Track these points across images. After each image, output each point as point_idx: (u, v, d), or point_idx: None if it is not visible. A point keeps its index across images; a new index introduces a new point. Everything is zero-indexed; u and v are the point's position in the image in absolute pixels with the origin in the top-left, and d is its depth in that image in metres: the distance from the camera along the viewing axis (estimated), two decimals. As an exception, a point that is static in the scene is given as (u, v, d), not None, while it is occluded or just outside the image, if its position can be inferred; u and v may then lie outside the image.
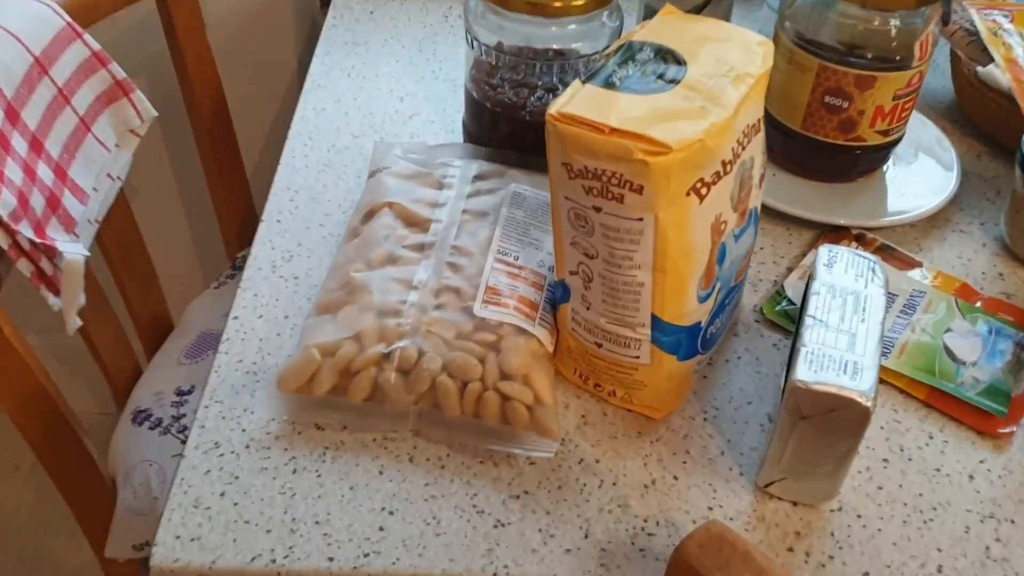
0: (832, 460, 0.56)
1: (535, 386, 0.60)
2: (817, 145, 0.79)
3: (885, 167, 0.83)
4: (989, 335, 0.69)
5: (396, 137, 0.84)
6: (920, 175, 0.83)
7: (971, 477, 0.62)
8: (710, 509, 0.59)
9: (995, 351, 0.68)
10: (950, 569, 0.57)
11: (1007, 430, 0.64)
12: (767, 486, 0.59)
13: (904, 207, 0.79)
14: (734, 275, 0.63)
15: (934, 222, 0.80)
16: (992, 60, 0.86)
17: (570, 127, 0.53)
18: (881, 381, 0.67)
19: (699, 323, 0.61)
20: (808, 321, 0.58)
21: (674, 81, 0.56)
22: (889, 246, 0.77)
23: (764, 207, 0.79)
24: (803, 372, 0.54)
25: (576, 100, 0.54)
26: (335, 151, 0.82)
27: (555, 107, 0.54)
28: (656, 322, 0.59)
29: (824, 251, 0.62)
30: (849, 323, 0.57)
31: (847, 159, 0.79)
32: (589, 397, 0.65)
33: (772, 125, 0.81)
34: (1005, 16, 0.90)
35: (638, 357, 0.61)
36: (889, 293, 0.71)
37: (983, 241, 0.79)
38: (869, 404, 0.53)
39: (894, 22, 0.72)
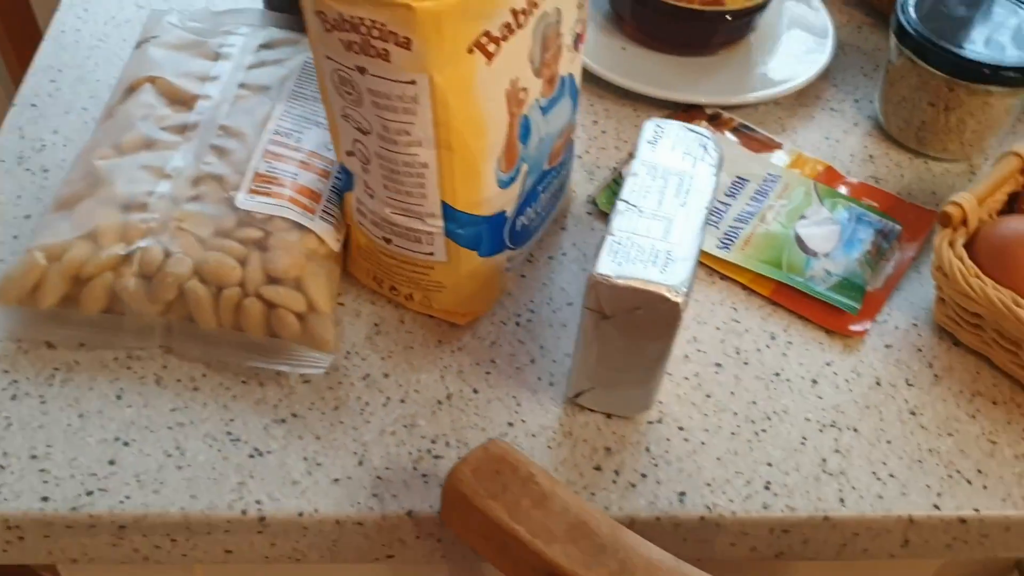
0: (643, 365, 0.48)
1: (308, 291, 0.51)
2: (672, 11, 0.69)
3: (750, 37, 0.74)
4: (848, 223, 0.61)
5: (192, 7, 0.72)
6: (789, 47, 0.74)
7: (814, 382, 0.54)
8: (510, 425, 0.51)
9: (853, 240, 0.60)
10: (779, 485, 0.50)
11: (859, 328, 0.57)
12: (576, 396, 0.51)
13: (768, 83, 0.70)
14: (546, 156, 0.54)
15: (802, 99, 0.72)
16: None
17: (326, -33, 0.43)
18: (722, 277, 0.59)
19: (503, 213, 0.52)
20: (619, 207, 0.49)
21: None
22: (747, 126, 0.68)
23: (608, 84, 0.69)
24: (605, 264, 0.46)
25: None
26: (114, 24, 0.70)
27: (304, -61, 0.44)
28: (448, 211, 0.49)
29: (649, 126, 0.53)
30: (668, 208, 0.49)
31: (705, 27, 0.70)
32: (386, 303, 0.56)
33: (622, -11, 0.71)
34: None
35: (432, 254, 0.52)
36: (739, 178, 0.63)
37: (855, 120, 0.71)
38: (679, 299, 0.45)
39: None
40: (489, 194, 0.50)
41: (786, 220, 0.61)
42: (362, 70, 0.45)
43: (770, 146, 0.67)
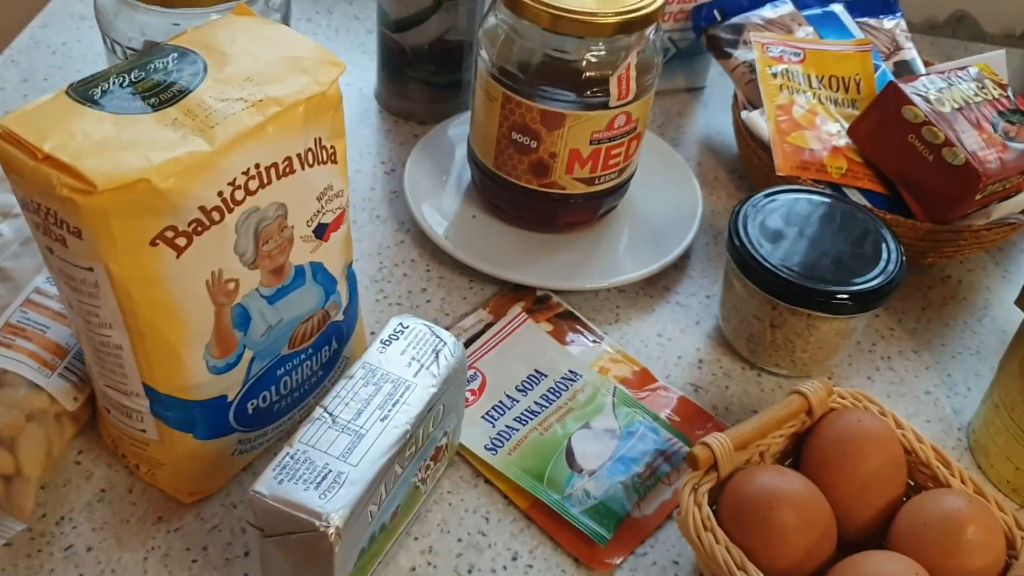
0: (313, 589, 0.46)
1: (19, 453, 0.50)
2: (512, 188, 0.67)
3: (610, 217, 0.71)
4: (631, 438, 0.57)
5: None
6: (650, 230, 0.71)
7: (540, 616, 0.51)
8: (194, 625, 0.49)
9: (626, 459, 0.56)
10: None
11: (610, 560, 0.53)
12: (267, 607, 0.49)
13: (612, 270, 0.68)
14: (285, 341, 0.52)
15: (649, 288, 0.69)
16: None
17: (7, 146, 0.43)
18: (487, 481, 0.56)
19: (223, 397, 0.50)
20: (315, 413, 0.47)
21: (171, 100, 0.45)
22: (572, 314, 0.66)
23: (444, 253, 0.68)
24: (265, 480, 0.44)
25: (34, 110, 0.44)
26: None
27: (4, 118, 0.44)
28: (151, 393, 0.48)
29: (393, 323, 0.51)
30: (365, 420, 0.46)
31: (548, 207, 0.68)
32: (123, 467, 0.55)
33: (474, 162, 0.70)
34: (796, 54, 0.77)
35: (145, 431, 0.50)
36: (536, 371, 0.60)
37: (698, 318, 0.67)
38: (329, 530, 0.42)
39: (585, 52, 0.61)
40: (198, 380, 0.48)
41: (568, 426, 0.58)
42: (50, 250, 0.45)
43: (587, 336, 0.64)
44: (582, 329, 0.64)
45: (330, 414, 0.47)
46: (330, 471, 0.44)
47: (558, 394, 0.59)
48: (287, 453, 0.45)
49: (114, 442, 0.54)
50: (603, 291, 0.68)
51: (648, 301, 0.68)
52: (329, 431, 0.46)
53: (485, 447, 0.56)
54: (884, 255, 0.60)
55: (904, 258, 0.61)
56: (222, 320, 0.48)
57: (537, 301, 0.66)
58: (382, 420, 0.46)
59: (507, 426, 0.57)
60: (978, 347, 0.68)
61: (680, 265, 0.71)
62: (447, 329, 0.62)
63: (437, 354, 0.50)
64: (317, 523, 0.42)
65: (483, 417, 0.58)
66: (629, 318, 0.67)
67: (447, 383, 0.49)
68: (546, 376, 0.60)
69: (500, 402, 0.59)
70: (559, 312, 0.65)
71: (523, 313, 0.64)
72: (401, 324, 0.51)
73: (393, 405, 0.47)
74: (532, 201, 0.68)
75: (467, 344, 0.62)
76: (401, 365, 0.49)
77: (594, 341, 0.64)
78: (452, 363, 0.50)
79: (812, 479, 0.51)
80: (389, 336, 0.51)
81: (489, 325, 0.63)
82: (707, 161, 0.81)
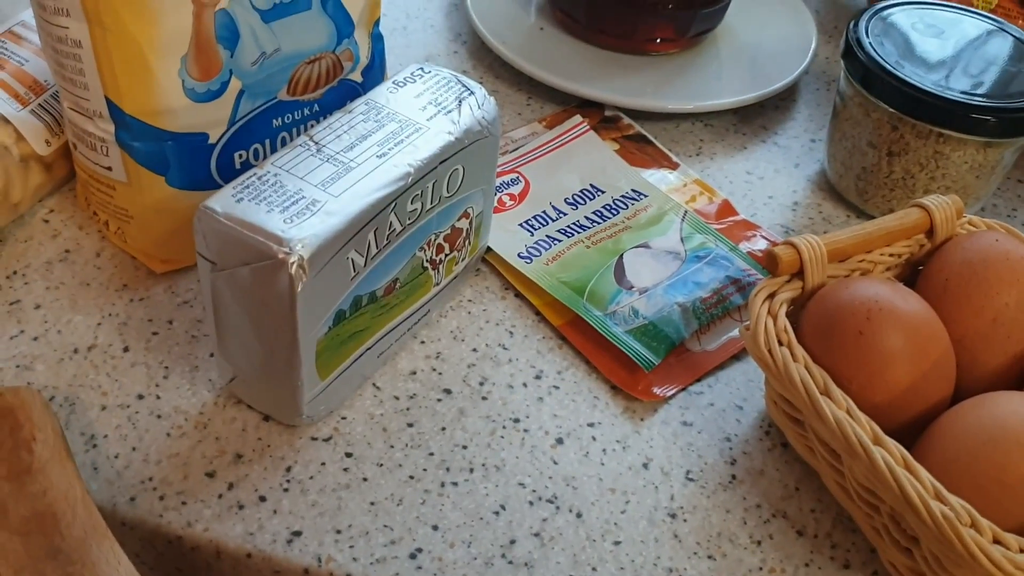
0: (276, 353, 0.36)
1: (-33, 185, 0.43)
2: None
3: (700, 41, 0.60)
4: (697, 262, 0.47)
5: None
6: (752, 64, 0.60)
7: (559, 441, 0.40)
8: (140, 397, 0.40)
9: (689, 281, 0.45)
10: (431, 558, 0.36)
11: (658, 391, 0.42)
12: (230, 382, 0.40)
13: (703, 93, 0.57)
14: (284, 82, 0.43)
15: (743, 125, 0.58)
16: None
17: None
18: (517, 294, 0.46)
19: (203, 135, 0.42)
20: (299, 140, 0.38)
21: None
22: (645, 137, 0.55)
23: (506, 65, 0.58)
24: (222, 197, 0.35)
25: None
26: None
27: None
28: (116, 114, 0.40)
29: (412, 67, 0.42)
30: (357, 154, 0.37)
31: (630, 16, 0.57)
32: (95, 232, 0.47)
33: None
34: None
35: (110, 169, 0.42)
36: (592, 187, 0.50)
37: (799, 161, 0.56)
38: (291, 260, 0.33)
39: None
40: (172, 103, 0.40)
41: (623, 243, 0.47)
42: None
43: (659, 163, 0.53)
44: (655, 154, 0.54)
45: (316, 143, 0.37)
46: (303, 197, 0.35)
47: (615, 211, 0.49)
48: (254, 174, 0.36)
49: (86, 199, 0.46)
50: (686, 121, 0.57)
51: (739, 138, 0.57)
52: (311, 159, 0.37)
53: (519, 255, 0.46)
54: (1043, 77, 0.48)
55: (1069, 86, 0.48)
56: (203, 26, 0.39)
57: (605, 120, 0.55)
58: (379, 157, 0.37)
59: (548, 236, 0.47)
60: None
61: (783, 106, 0.60)
62: (495, 140, 0.53)
63: (460, 102, 0.40)
64: (276, 248, 0.33)
65: (521, 225, 0.48)
66: (714, 152, 0.56)
67: (469, 137, 0.39)
68: (603, 192, 0.50)
69: (544, 212, 0.49)
70: (629, 134, 0.55)
71: (585, 123, 0.54)
72: (421, 68, 0.42)
73: (396, 144, 0.38)
74: (612, 7, 0.57)
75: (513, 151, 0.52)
76: (414, 108, 0.40)
77: (668, 167, 0.53)
78: (479, 116, 0.40)
79: (928, 312, 0.39)
80: (405, 79, 0.41)
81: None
82: (827, 11, 0.69)
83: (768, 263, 0.39)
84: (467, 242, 0.44)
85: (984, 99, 0.46)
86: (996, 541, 0.32)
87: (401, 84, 0.41)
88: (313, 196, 0.35)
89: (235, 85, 0.41)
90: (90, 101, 0.40)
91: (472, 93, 0.41)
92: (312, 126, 0.41)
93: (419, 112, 0.39)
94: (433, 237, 0.40)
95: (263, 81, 0.42)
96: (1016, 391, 0.36)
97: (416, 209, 0.38)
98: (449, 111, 0.40)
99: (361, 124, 0.38)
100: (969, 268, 0.40)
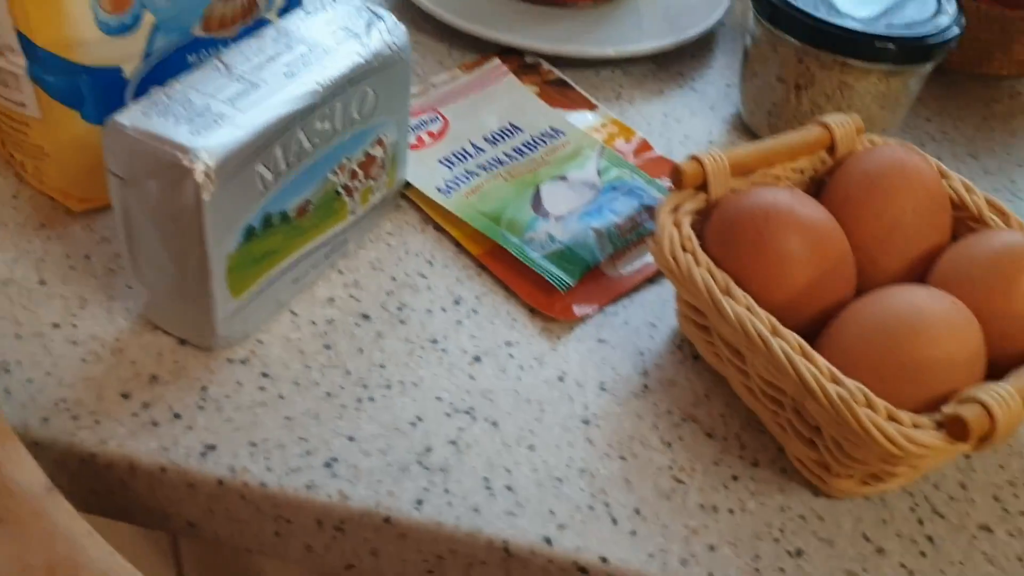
0: (186, 272, 0.37)
1: None
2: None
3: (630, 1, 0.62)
4: (614, 191, 0.48)
5: None
6: (670, 13, 0.61)
7: (477, 359, 0.41)
8: (55, 326, 0.40)
9: (604, 209, 0.47)
10: (347, 466, 0.36)
11: (578, 310, 0.43)
12: (146, 305, 0.40)
13: (621, 39, 0.58)
14: (197, 18, 0.43)
15: (659, 71, 0.59)
16: None
17: None
18: (437, 227, 0.47)
19: (116, 69, 0.42)
20: (208, 63, 0.38)
21: None
22: (565, 82, 0.56)
23: (430, 17, 0.59)
24: (130, 112, 0.35)
25: None
26: None
27: None
28: (27, 46, 0.40)
29: (324, -2, 0.43)
30: (266, 75, 0.38)
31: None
32: (13, 175, 0.47)
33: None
34: None
35: (24, 104, 0.42)
36: (511, 125, 0.51)
37: (714, 103, 0.57)
38: (196, 168, 0.33)
39: None
40: (85, 35, 0.40)
41: (539, 176, 0.48)
42: None
43: (578, 105, 0.54)
44: (575, 97, 0.55)
45: (225, 64, 0.38)
46: (210, 111, 0.35)
47: (534, 148, 0.50)
48: (163, 92, 0.36)
49: (2, 140, 0.46)
50: (606, 69, 0.58)
51: (657, 84, 0.58)
52: (220, 79, 0.37)
53: (438, 188, 0.47)
54: (937, 8, 0.50)
55: (964, 20, 0.50)
56: (111, -44, 0.39)
57: (525, 67, 0.56)
58: (287, 76, 0.38)
59: (467, 171, 0.48)
60: (1053, 159, 0.57)
61: (700, 55, 0.61)
62: (413, 90, 0.54)
63: (370, 27, 0.41)
64: (181, 157, 0.34)
65: (440, 161, 0.49)
66: (633, 97, 0.57)
67: (379, 60, 0.40)
68: (522, 131, 0.51)
69: (463, 149, 0.49)
70: (550, 79, 0.56)
71: (504, 67, 0.55)
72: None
73: (305, 65, 0.38)
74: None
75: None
76: (324, 33, 0.40)
77: (587, 109, 0.54)
78: (388, 41, 0.41)
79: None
80: (315, 7, 0.42)
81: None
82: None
83: (673, 177, 0.40)
84: (383, 172, 0.44)
85: (885, 27, 0.48)
86: (891, 419, 0.33)
87: (311, 12, 0.41)
88: (220, 110, 0.35)
89: (148, 19, 0.42)
90: (0, 35, 0.40)
91: (382, 19, 0.41)
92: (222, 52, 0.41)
93: (329, 36, 0.40)
94: (346, 162, 0.41)
95: (176, 16, 0.43)
96: (912, 284, 0.37)
97: (326, 129, 0.39)
98: (358, 35, 0.40)
99: (271, 47, 0.39)
100: (868, 179, 0.41)
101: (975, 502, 0.38)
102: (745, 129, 0.55)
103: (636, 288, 0.45)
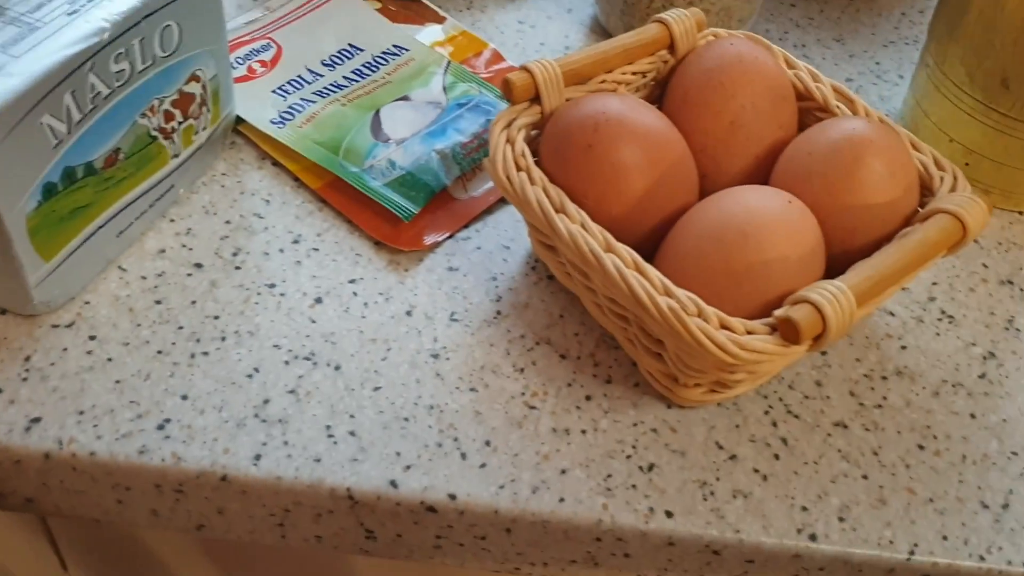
0: (-24, 233, 0.34)
1: None
2: None
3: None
4: (460, 108, 0.46)
5: None
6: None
7: (318, 301, 0.39)
8: None
9: (449, 129, 0.44)
10: (180, 426, 0.35)
11: (429, 239, 0.41)
12: (-47, 281, 0.38)
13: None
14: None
15: (517, -21, 0.56)
16: None
17: None
18: (274, 163, 0.44)
19: None
20: (-21, 7, 0.35)
21: None
22: (411, -5, 0.53)
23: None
24: None
25: None
26: None
27: None
28: None
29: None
30: (45, 14, 0.34)
31: None
32: None
33: None
34: None
35: None
36: (351, 46, 0.48)
37: (571, 6, 0.55)
38: (-40, 126, 0.31)
39: None
40: None
41: (380, 98, 0.46)
42: None
43: (424, 19, 0.52)
44: (420, 10, 0.52)
45: (4, 8, 0.35)
46: (-19, 60, 0.32)
47: (375, 68, 0.47)
48: (-78, 42, 0.33)
49: None
50: (458, -20, 0.56)
51: (512, -10, 0.56)
52: (-9, 23, 0.34)
53: (271, 121, 0.45)
54: None
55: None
56: None
57: (369, -18, 0.53)
58: (70, 14, 0.35)
59: (303, 99, 0.45)
60: (917, 36, 0.56)
61: (557, -45, 0.58)
62: (245, 17, 0.50)
63: (163, -48, 0.38)
64: (-58, 115, 0.31)
65: (274, 91, 0.46)
66: (485, 5, 0.54)
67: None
68: (363, 51, 0.48)
69: (299, 76, 0.47)
70: (395, -7, 0.53)
71: (349, -11, 0.52)
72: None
73: (91, 3, 0.35)
74: None
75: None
76: (111, -36, 0.37)
77: (434, 22, 0.51)
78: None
79: (674, 124, 0.39)
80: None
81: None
82: None
83: (504, 90, 0.38)
84: (204, 109, 0.41)
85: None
86: (723, 327, 0.32)
87: (98, -59, 0.38)
88: (-9, 59, 0.32)
89: (-86, -41, 0.38)
90: None
91: (177, -56, 0.38)
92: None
93: (114, -33, 0.37)
94: (157, 103, 0.38)
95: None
96: (747, 185, 0.36)
97: (124, 70, 0.36)
98: (149, -36, 0.37)
99: (52, -15, 0.36)
100: (706, 76, 0.39)
101: (830, 399, 0.38)
102: (603, 32, 0.53)
103: (489, 210, 0.43)
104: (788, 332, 0.31)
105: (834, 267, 0.35)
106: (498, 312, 0.40)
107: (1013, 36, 0.41)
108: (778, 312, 0.32)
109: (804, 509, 0.35)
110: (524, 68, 0.38)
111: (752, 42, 0.41)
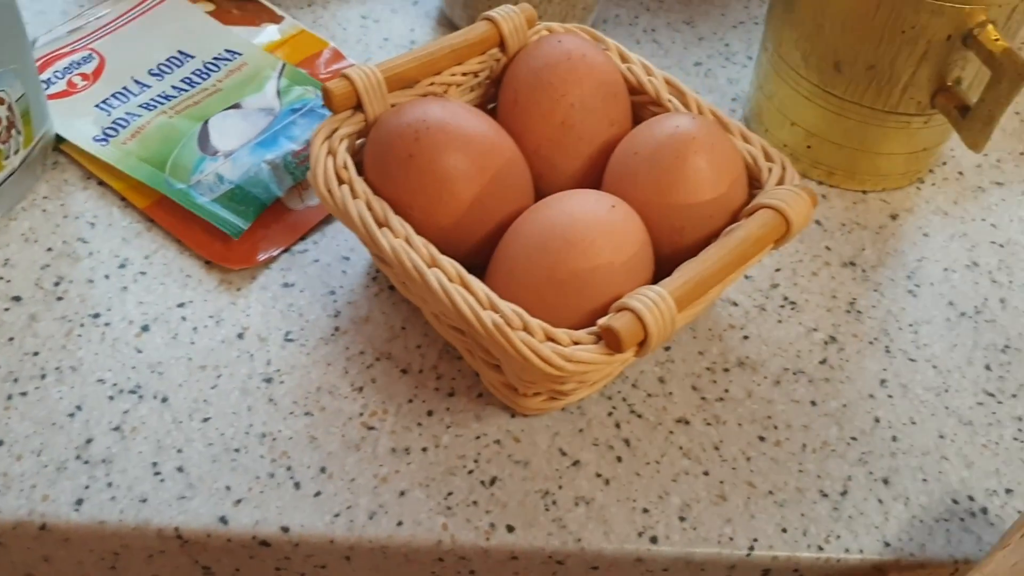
0: None
1: None
2: None
3: None
4: (293, 114, 0.44)
5: None
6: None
7: (145, 328, 0.37)
8: None
9: (282, 137, 0.43)
10: (-18, 479, 0.33)
11: (263, 256, 0.40)
12: None
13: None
14: None
15: (361, -28, 0.55)
16: None
17: None
18: (100, 182, 0.42)
19: None
20: None
21: None
22: (248, -5, 0.51)
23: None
24: None
25: None
26: None
27: None
28: None
29: None
30: None
31: None
32: None
33: None
34: None
35: None
36: (180, 53, 0.46)
37: None
38: None
39: None
40: None
41: (209, 108, 0.44)
42: None
43: (260, 19, 0.50)
44: (256, 11, 0.50)
45: None
46: None
47: (206, 76, 0.45)
48: None
49: None
50: (299, -25, 0.54)
51: (356, -16, 0.54)
52: None
53: (94, 138, 0.42)
54: None
55: None
56: None
57: (201, -18, 0.51)
58: None
59: (128, 113, 0.43)
60: (765, 15, 0.56)
61: (402, -55, 0.57)
62: (65, 28, 0.48)
63: (-54, -30, 0.35)
64: None
65: (98, 106, 0.44)
66: (327, 1, 0.53)
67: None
68: (193, 57, 0.46)
69: (124, 88, 0.44)
70: (230, -8, 0.51)
71: (177, -11, 0.50)
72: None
73: None
74: None
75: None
76: None
77: (270, 22, 0.50)
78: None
79: (505, 128, 0.38)
80: None
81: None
82: None
83: (325, 99, 0.37)
84: (13, 132, 0.39)
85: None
86: (549, 339, 0.32)
87: None
88: None
89: None
90: None
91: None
92: None
93: None
94: (-48, 130, 0.36)
95: None
96: (576, 189, 0.36)
97: (-95, 100, 0.34)
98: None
99: None
100: (535, 76, 0.39)
101: (672, 395, 0.38)
102: (449, 24, 0.52)
103: (327, 220, 0.42)
104: (611, 341, 0.31)
105: (664, 267, 0.35)
106: (336, 328, 0.39)
107: (841, 20, 0.41)
108: (601, 321, 0.31)
109: (645, 511, 0.34)
110: (343, 75, 0.37)
111: (582, 37, 0.40)
